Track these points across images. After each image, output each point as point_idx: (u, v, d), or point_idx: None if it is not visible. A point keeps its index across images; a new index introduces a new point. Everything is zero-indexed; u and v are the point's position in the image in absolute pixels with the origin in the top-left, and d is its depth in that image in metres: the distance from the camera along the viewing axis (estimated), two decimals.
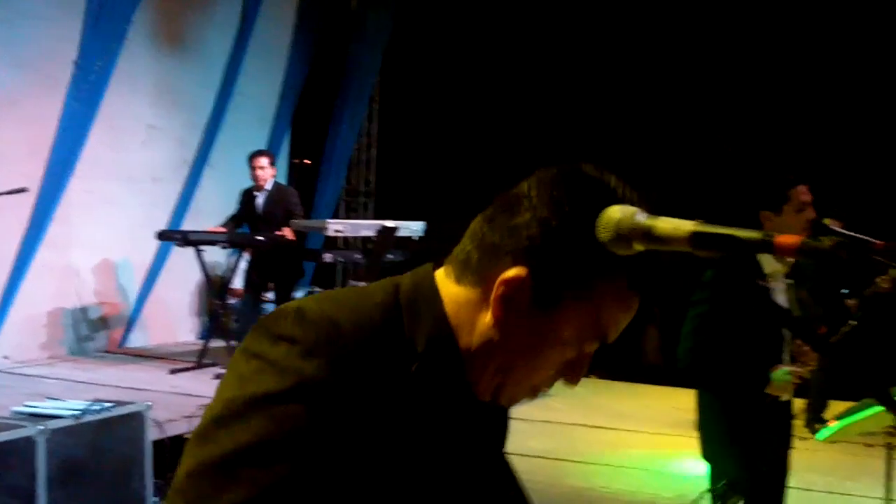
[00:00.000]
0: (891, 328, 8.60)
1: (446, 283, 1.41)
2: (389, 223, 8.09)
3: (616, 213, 1.29)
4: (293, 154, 12.35)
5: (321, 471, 1.26)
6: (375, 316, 1.36)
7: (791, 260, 3.75)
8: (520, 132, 11.36)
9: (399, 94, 12.54)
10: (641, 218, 1.28)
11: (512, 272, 1.34)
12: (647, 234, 1.28)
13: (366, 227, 8.22)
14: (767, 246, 1.24)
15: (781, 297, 3.75)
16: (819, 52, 10.31)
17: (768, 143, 10.38)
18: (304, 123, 12.11)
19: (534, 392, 1.45)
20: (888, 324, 8.58)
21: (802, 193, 3.72)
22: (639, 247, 1.29)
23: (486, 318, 1.37)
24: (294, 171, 12.36)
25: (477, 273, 1.38)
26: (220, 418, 1.27)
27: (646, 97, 11.05)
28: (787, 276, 3.71)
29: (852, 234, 3.88)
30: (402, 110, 12.47)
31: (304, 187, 11.60)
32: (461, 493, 1.44)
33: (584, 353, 1.41)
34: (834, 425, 3.67)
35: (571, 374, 1.43)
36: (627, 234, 1.28)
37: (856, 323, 3.75)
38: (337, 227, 7.92)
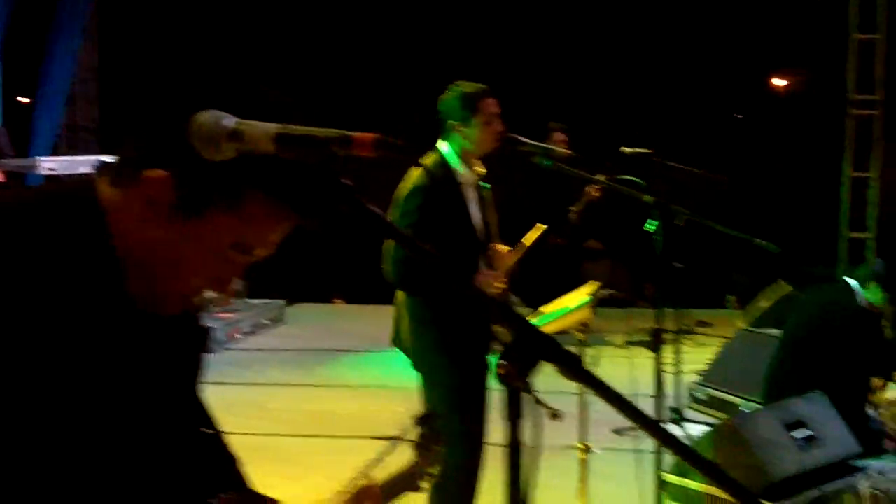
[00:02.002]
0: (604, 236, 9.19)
1: (105, 186, 1.41)
2: (108, 158, 7.68)
3: (201, 117, 1.28)
4: (7, 91, 11.47)
5: None
6: (31, 214, 1.33)
7: (481, 169, 3.90)
8: (252, 59, 11.09)
9: (120, 24, 11.89)
10: (228, 122, 1.28)
11: (154, 173, 1.36)
12: (234, 137, 1.28)
13: (83, 164, 7.79)
14: (346, 142, 1.26)
15: (474, 206, 3.90)
16: None
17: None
18: (16, 58, 11.24)
19: (185, 302, 1.46)
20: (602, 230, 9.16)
21: (491, 105, 3.85)
22: (229, 151, 1.29)
23: (134, 219, 1.38)
24: (7, 108, 11.49)
25: (128, 175, 1.39)
26: None
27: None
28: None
29: (542, 144, 4.07)
30: (125, 41, 11.85)
31: (20, 125, 10.83)
32: (124, 405, 1.41)
33: (231, 265, 1.43)
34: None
35: (219, 285, 1.45)
36: (213, 137, 1.27)
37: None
38: (49, 164, 7.47)
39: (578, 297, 3.85)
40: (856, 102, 10.03)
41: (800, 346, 5.70)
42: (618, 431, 5.57)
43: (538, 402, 1.18)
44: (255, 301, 9.10)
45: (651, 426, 1.31)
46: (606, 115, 11.71)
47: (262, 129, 1.28)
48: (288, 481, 5.08)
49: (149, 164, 1.37)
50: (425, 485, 1.98)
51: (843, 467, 4.97)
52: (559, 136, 8.27)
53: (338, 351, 8.26)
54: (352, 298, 10.45)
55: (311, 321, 9.39)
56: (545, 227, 3.84)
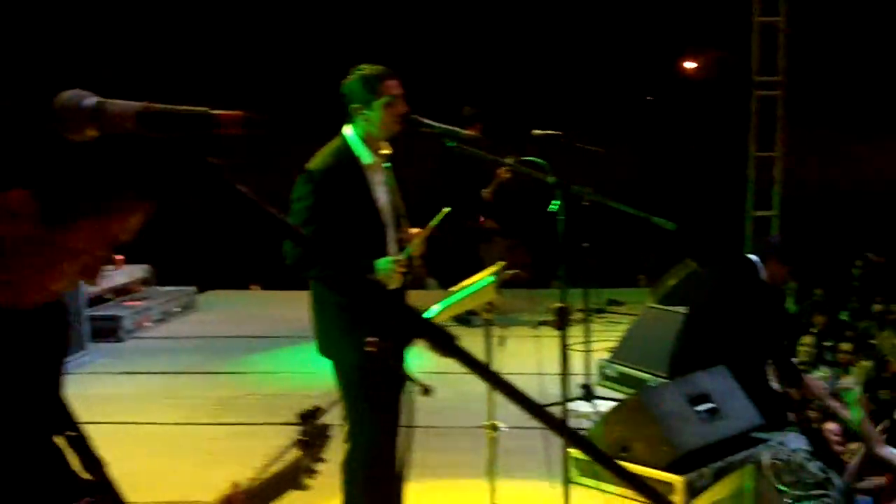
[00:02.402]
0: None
1: None
2: None
3: (62, 97, 1.24)
4: None
5: None
6: None
7: (387, 151, 3.87)
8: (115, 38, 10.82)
9: None
10: (89, 101, 1.25)
11: (12, 194, 1.35)
12: (95, 116, 1.25)
13: None
14: (211, 121, 1.24)
15: (381, 190, 3.87)
16: None
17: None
18: None
19: (53, 295, 1.47)
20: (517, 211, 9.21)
21: (393, 87, 3.82)
22: (92, 131, 1.26)
23: None
24: None
25: None
26: None
27: None
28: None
29: (442, 125, 4.06)
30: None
31: None
32: None
33: (99, 258, 1.45)
34: (437, 307, 3.87)
35: (89, 275, 1.46)
36: (74, 116, 1.24)
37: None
38: None
39: (482, 278, 3.85)
40: (759, 84, 10.25)
41: (704, 321, 5.83)
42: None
43: (409, 378, 1.17)
44: (164, 289, 8.96)
45: (526, 403, 1.31)
46: (521, 98, 11.79)
47: (124, 108, 1.25)
48: (198, 469, 5.01)
49: (6, 180, 1.36)
50: (311, 482, 1.97)
51: (745, 439, 5.10)
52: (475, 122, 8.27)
53: (250, 338, 8.16)
54: (270, 284, 10.33)
55: (223, 308, 9.27)
56: (449, 209, 3.83)
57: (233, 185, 1.30)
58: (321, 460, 2.01)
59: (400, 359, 1.04)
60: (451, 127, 4.08)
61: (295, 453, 1.96)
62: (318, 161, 3.77)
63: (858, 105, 13.26)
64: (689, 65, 14.71)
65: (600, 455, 1.25)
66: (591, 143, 6.59)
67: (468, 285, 3.97)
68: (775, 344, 5.85)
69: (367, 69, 3.80)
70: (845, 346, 7.33)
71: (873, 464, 5.74)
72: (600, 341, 7.08)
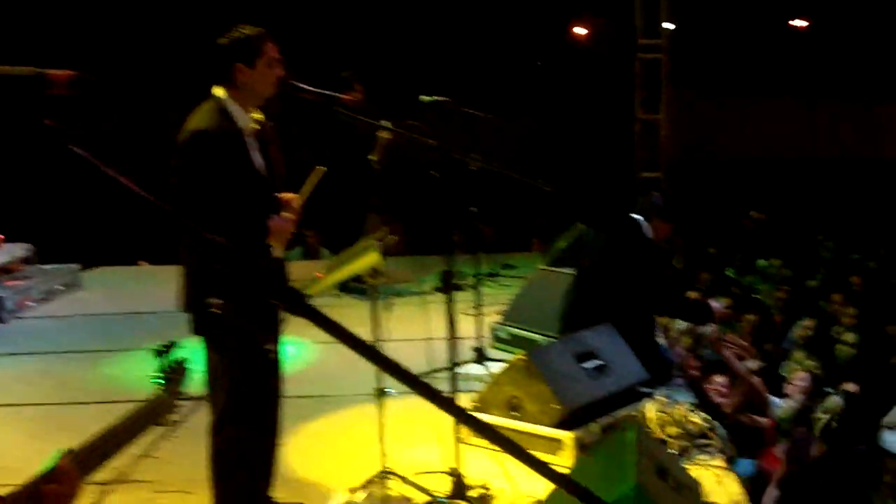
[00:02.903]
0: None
1: None
2: None
3: None
4: None
5: None
6: None
7: (258, 116, 3.80)
8: None
9: None
10: None
11: None
12: None
13: None
14: (40, 81, 1.19)
15: (256, 154, 3.80)
16: None
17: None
18: None
19: None
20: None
21: (272, 49, 3.75)
22: None
23: None
24: None
25: None
26: None
27: None
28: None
29: (322, 90, 4.02)
30: None
31: None
32: None
33: None
34: (320, 280, 3.84)
35: None
36: None
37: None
38: None
39: (364, 245, 3.85)
40: (643, 47, 10.43)
41: (591, 281, 5.94)
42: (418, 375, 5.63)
43: (258, 340, 1.16)
44: (47, 267, 8.69)
45: (386, 364, 1.31)
46: (408, 64, 11.75)
47: None
48: None
49: None
50: (174, 418, 1.96)
51: (632, 393, 5.22)
52: (357, 86, 8.16)
53: (137, 314, 7.97)
54: (158, 259, 10.11)
55: (109, 285, 9.03)
56: (325, 168, 3.77)
57: (70, 148, 1.26)
58: (180, 395, 2.00)
59: (247, 320, 1.03)
60: (329, 92, 4.04)
61: (153, 391, 1.94)
62: (194, 125, 3.64)
63: (743, 66, 13.62)
64: (579, 30, 14.86)
65: (460, 414, 1.26)
66: (480, 109, 6.61)
67: (351, 252, 3.96)
68: (670, 295, 6.02)
69: (248, 29, 3.72)
70: (724, 300, 7.58)
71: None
72: (493, 305, 7.15)
